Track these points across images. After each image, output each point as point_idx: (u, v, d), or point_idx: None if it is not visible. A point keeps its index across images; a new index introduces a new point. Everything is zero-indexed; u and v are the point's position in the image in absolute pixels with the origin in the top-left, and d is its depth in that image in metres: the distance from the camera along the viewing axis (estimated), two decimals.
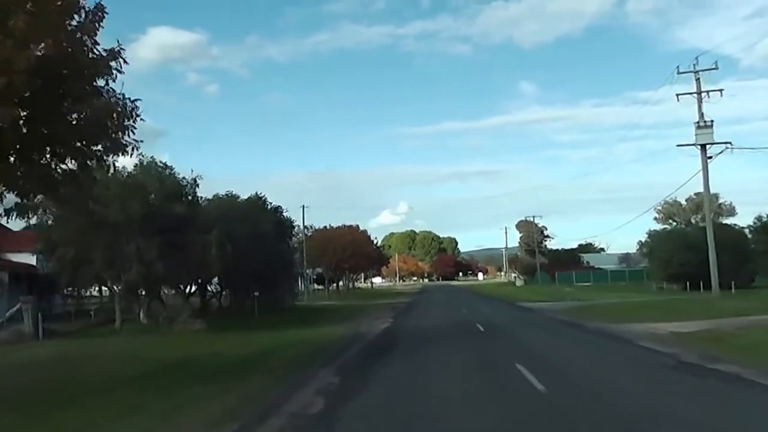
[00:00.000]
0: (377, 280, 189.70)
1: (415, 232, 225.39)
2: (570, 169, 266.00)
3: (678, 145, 40.96)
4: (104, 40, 11.15)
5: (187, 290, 34.26)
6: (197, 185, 29.59)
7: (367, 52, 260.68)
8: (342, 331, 25.97)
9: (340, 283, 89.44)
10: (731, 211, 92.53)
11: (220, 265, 27.30)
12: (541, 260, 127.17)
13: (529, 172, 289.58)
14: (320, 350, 18.67)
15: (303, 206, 60.45)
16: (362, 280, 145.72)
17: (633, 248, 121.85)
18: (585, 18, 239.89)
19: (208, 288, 38.27)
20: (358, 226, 78.50)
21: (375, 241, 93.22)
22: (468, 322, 27.13)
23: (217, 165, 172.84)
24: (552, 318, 30.17)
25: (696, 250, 61.48)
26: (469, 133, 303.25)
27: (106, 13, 11.05)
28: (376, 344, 20.30)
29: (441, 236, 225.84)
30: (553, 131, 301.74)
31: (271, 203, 43.97)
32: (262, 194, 42.68)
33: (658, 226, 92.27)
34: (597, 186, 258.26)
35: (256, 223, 35.19)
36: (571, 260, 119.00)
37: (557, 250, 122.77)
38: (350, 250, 66.99)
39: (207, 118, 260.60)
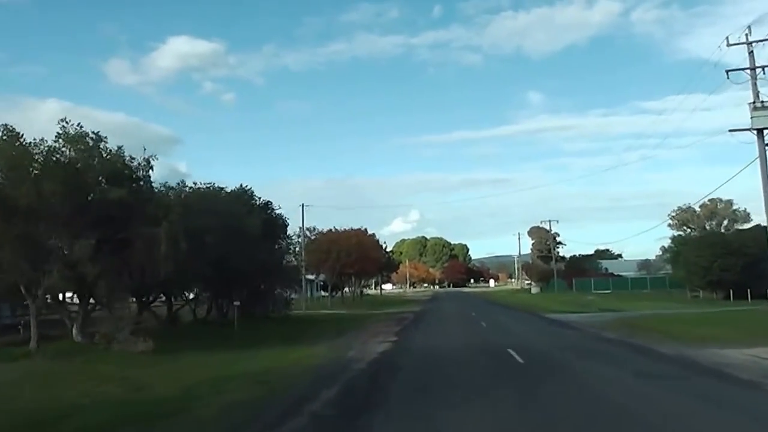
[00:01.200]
0: (387, 286, 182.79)
1: (426, 238, 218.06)
2: (578, 177, 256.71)
3: (731, 131, 33.39)
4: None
5: (149, 298, 27.42)
6: (150, 167, 22.66)
7: (381, 62, 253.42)
8: (323, 354, 18.85)
9: (346, 289, 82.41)
10: (746, 218, 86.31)
11: (172, 267, 20.35)
12: (548, 267, 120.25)
13: (538, 179, 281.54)
14: (267, 398, 11.67)
15: (302, 205, 53.36)
16: (373, 286, 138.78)
17: (648, 255, 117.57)
18: (591, 28, 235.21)
19: (186, 295, 31.44)
20: (366, 229, 71.36)
21: (384, 246, 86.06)
22: (495, 345, 19.84)
23: (234, 172, 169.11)
24: (601, 337, 22.87)
25: (739, 255, 54.55)
26: (480, 141, 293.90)
27: None
28: (359, 387, 13.06)
29: (452, 243, 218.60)
30: (561, 140, 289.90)
31: (259, 198, 37.12)
32: (248, 186, 35.83)
33: (673, 233, 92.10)
34: (605, 194, 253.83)
35: (235, 219, 28.38)
36: (588, 267, 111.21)
37: (574, 256, 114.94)
38: (355, 255, 59.86)
39: (223, 125, 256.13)
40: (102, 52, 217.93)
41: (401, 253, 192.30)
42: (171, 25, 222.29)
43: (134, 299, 26.38)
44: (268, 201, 37.87)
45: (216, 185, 31.06)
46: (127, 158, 22.18)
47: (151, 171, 22.88)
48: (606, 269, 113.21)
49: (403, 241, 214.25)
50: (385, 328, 30.11)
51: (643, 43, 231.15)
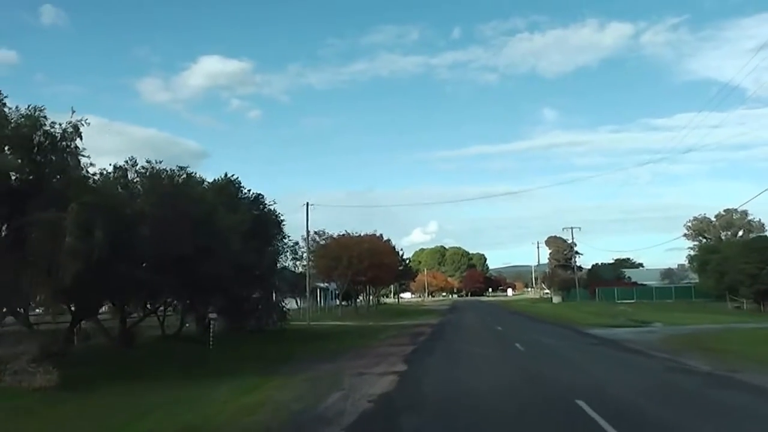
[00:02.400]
0: (406, 295, 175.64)
1: (444, 248, 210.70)
2: (590, 191, 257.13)
3: None
4: None
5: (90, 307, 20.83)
6: (79, 134, 16.19)
7: (402, 80, 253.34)
8: (290, 399, 11.82)
9: (362, 298, 75.59)
10: (760, 228, 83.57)
11: (81, 266, 13.82)
12: (568, 276, 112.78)
13: (551, 193, 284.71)
14: None
15: (307, 204, 46.55)
16: (391, 295, 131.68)
17: (658, 265, 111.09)
18: (603, 50, 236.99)
19: (149, 306, 24.81)
20: (381, 235, 64.48)
21: (401, 253, 79.01)
22: (552, 389, 12.68)
23: (259, 185, 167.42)
24: (689, 369, 15.59)
25: None
26: (496, 156, 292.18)
27: None
28: None
29: (470, 252, 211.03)
30: (573, 155, 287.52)
31: (248, 190, 30.65)
32: (234, 176, 29.36)
33: (690, 243, 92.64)
34: (616, 206, 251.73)
35: (207, 212, 21.87)
36: (612, 275, 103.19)
37: (596, 264, 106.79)
38: (368, 261, 53.04)
39: (249, 140, 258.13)
40: (136, 72, 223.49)
41: (420, 262, 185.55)
42: (200, 47, 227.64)
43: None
44: (259, 194, 31.40)
45: (189, 170, 23.92)
46: (48, 124, 15.79)
47: (79, 140, 16.41)
48: (629, 278, 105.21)
49: (422, 250, 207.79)
50: (394, 348, 23.26)
51: (653, 64, 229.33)
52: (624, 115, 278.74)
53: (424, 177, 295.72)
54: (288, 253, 34.30)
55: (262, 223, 30.10)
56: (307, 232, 44.97)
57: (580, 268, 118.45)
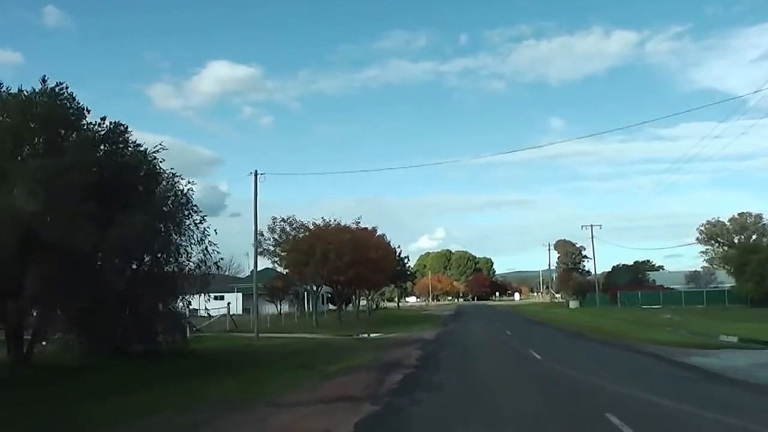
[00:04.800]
0: (411, 299, 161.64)
1: (450, 251, 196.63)
2: (595, 199, 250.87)
3: None
4: None
5: None
6: None
7: (412, 87, 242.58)
8: None
9: (363, 302, 61.92)
10: None
11: None
12: (584, 279, 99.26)
13: (558, 201, 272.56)
14: None
15: (255, 172, 32.20)
16: (397, 299, 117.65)
17: (685, 267, 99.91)
18: (609, 58, 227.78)
19: None
20: (375, 228, 50.72)
21: (397, 251, 64.96)
22: None
23: (271, 191, 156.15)
24: None
25: None
26: (504, 164, 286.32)
27: None
28: None
29: (477, 256, 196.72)
30: (580, 164, 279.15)
31: (134, 141, 17.18)
32: (63, 87, 15.73)
33: (701, 248, 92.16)
34: (621, 214, 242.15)
35: None
36: (634, 278, 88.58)
37: (617, 266, 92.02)
38: (348, 256, 39.48)
39: (261, 147, 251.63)
40: (146, 78, 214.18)
41: (425, 266, 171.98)
42: (210, 51, 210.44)
43: None
44: (145, 148, 17.74)
45: None
46: None
47: None
48: (653, 281, 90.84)
49: (427, 254, 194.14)
50: (338, 401, 9.80)
51: (658, 73, 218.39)
52: (630, 124, 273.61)
53: (433, 184, 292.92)
54: (198, 242, 19.95)
55: (151, 193, 16.55)
56: (255, 213, 31.09)
57: (589, 272, 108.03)
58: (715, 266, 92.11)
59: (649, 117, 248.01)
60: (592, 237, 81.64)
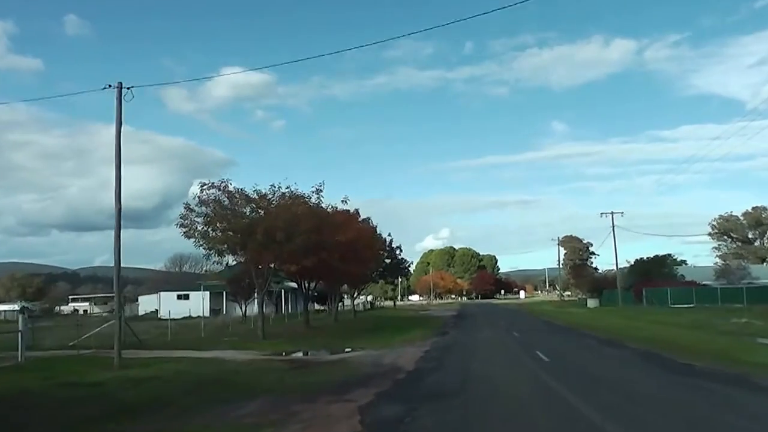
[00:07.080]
0: (414, 297, 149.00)
1: (454, 248, 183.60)
2: (597, 199, 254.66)
3: None
4: None
5: None
6: None
7: (419, 93, 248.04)
8: None
9: (360, 301, 49.19)
10: None
11: None
12: (593, 276, 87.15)
13: (560, 201, 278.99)
14: None
15: (119, 85, 18.81)
16: (399, 297, 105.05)
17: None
18: (609, 64, 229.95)
19: None
20: (357, 210, 37.98)
21: (388, 240, 52.19)
22: None
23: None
24: None
25: None
26: (508, 166, 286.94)
27: None
28: None
29: (481, 254, 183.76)
30: (582, 165, 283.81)
31: None
32: None
33: (713, 243, 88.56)
34: (621, 214, 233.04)
35: None
36: (658, 273, 75.07)
37: (641, 259, 78.38)
38: (303, 238, 26.89)
39: (273, 149, 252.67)
40: (162, 81, 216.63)
41: (428, 263, 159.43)
42: (225, 58, 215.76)
43: None
44: None
45: None
46: None
47: None
48: (682, 276, 77.47)
49: (431, 251, 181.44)
50: None
51: (657, 79, 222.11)
52: (631, 127, 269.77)
53: (439, 186, 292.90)
54: None
55: None
56: (118, 141, 18.04)
57: (596, 269, 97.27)
58: (745, 261, 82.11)
59: (649, 120, 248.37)
60: (613, 225, 68.37)
